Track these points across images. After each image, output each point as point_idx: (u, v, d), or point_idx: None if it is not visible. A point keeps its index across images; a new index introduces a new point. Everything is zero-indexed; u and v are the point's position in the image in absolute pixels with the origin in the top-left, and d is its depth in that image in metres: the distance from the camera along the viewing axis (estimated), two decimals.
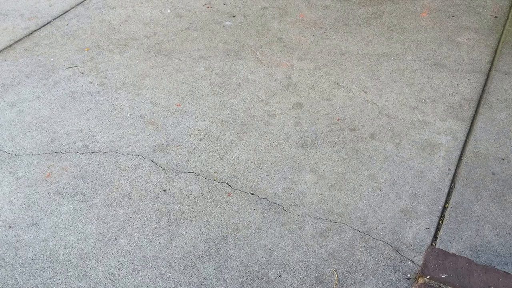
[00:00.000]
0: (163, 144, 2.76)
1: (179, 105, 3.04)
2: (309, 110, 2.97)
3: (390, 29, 3.74)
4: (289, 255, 2.16)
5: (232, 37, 3.71)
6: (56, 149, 2.75)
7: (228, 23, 3.89)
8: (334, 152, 2.67)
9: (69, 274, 2.12)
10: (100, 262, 2.16)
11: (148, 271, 2.12)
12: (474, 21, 3.77)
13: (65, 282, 2.09)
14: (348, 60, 3.41)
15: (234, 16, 3.98)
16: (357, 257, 2.15)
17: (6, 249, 2.23)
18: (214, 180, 2.54)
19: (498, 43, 3.49)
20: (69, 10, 4.13)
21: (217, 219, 2.33)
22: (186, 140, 2.79)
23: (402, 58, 3.40)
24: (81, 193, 2.48)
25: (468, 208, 2.33)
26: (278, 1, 4.17)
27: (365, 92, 3.09)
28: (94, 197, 2.46)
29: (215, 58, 3.47)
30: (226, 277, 2.09)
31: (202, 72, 3.33)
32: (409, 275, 2.07)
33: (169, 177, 2.56)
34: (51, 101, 3.11)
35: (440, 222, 2.29)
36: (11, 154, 2.73)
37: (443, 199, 2.39)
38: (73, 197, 2.46)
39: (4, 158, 2.70)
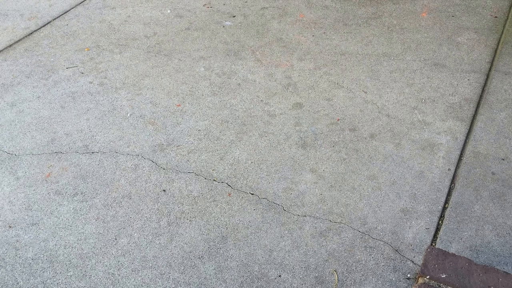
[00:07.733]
0: (163, 144, 2.77)
1: (179, 105, 3.04)
2: (309, 110, 2.97)
3: (390, 29, 3.74)
4: (289, 255, 2.16)
5: (232, 37, 3.71)
6: (56, 149, 2.75)
7: (228, 23, 3.89)
8: (334, 152, 2.67)
9: (69, 274, 2.12)
10: (100, 262, 2.16)
11: (148, 271, 2.12)
12: (474, 21, 3.77)
13: (65, 282, 2.09)
14: (348, 60, 3.41)
15: (234, 16, 3.98)
16: (357, 257, 2.15)
17: (6, 249, 2.23)
18: (214, 180, 2.54)
19: (498, 43, 3.50)
20: (69, 10, 4.13)
21: (217, 219, 2.33)
22: (186, 140, 2.79)
23: (402, 58, 3.40)
24: (81, 193, 2.48)
25: (468, 208, 2.33)
26: (278, 1, 4.17)
27: (365, 92, 3.09)
28: (94, 197, 2.46)
29: (215, 58, 3.47)
30: (226, 277, 2.09)
31: (202, 72, 3.33)
32: (409, 275, 2.07)
33: (169, 177, 2.56)
34: (51, 101, 3.11)
35: (440, 222, 2.29)
36: (11, 154, 2.73)
37: (443, 199, 2.39)
38: (73, 197, 2.47)
39: (4, 158, 2.70)
